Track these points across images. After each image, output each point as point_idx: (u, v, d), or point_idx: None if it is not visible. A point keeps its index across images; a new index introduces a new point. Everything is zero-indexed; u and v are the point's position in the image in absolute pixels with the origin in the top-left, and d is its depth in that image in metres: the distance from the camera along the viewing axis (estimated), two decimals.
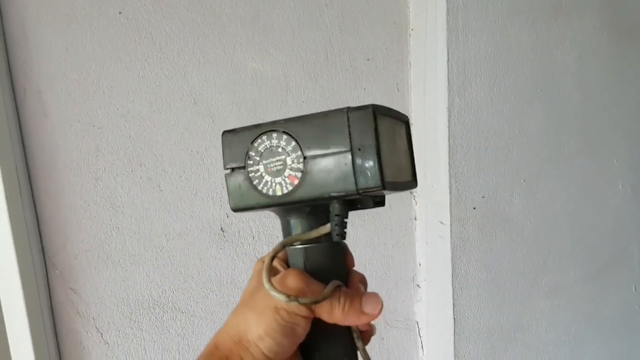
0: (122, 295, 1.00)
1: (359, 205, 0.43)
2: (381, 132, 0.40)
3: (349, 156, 0.39)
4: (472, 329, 1.12)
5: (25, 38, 0.93)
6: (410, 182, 0.45)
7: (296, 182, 0.40)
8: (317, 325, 0.41)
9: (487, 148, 1.07)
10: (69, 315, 1.00)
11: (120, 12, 0.95)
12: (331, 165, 0.40)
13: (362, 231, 1.10)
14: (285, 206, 0.42)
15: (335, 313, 0.39)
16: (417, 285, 1.13)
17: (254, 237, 1.04)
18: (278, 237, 1.06)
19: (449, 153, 1.04)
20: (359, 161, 0.39)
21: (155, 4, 0.96)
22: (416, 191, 1.10)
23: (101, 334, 1.01)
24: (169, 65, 0.98)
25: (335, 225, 0.40)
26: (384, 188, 0.39)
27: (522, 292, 1.15)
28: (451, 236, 1.07)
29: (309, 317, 0.39)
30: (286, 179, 0.41)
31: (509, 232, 1.11)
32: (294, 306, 0.38)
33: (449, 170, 1.04)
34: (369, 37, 1.05)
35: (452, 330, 1.10)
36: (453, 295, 1.09)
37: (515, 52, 1.06)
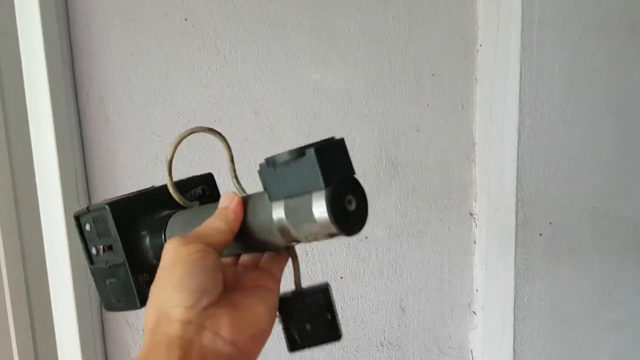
0: None
1: None
2: None
3: None
4: None
5: (91, 43, 0.93)
6: None
7: None
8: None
9: (556, 172, 1.02)
10: (118, 325, 0.98)
11: (186, 19, 0.94)
12: None
13: (417, 252, 1.06)
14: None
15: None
16: (473, 311, 1.08)
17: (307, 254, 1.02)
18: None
19: (517, 175, 0.99)
20: None
21: (221, 11, 0.94)
22: (476, 214, 1.05)
23: None
24: (232, 75, 0.96)
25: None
26: None
27: (586, 325, 1.08)
28: (515, 263, 1.02)
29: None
30: None
31: (575, 261, 1.06)
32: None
33: (516, 194, 1.00)
34: (434, 52, 1.02)
35: None
36: (514, 325, 1.04)
37: (589, 72, 1.01)
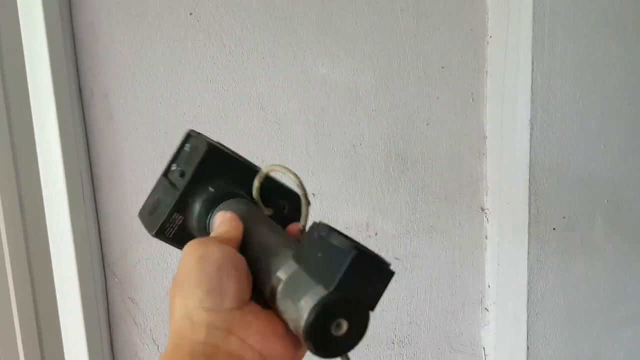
0: None
1: None
2: None
3: None
4: (546, 357, 1.05)
5: (95, 39, 0.91)
6: None
7: None
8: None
9: (569, 165, 1.00)
10: (126, 325, 0.96)
11: (191, 13, 0.92)
12: None
13: (428, 248, 1.04)
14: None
15: None
16: (485, 308, 1.07)
17: None
18: None
19: (530, 169, 0.97)
20: None
21: (227, 5, 0.93)
22: (488, 208, 1.04)
23: (157, 346, 0.97)
24: (238, 70, 0.95)
25: None
26: None
27: (600, 320, 1.07)
28: (528, 258, 1.00)
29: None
30: None
31: (589, 255, 1.04)
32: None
33: (529, 188, 0.98)
34: (444, 44, 1.00)
35: (525, 359, 1.03)
36: (527, 321, 1.02)
37: (603, 64, 0.99)
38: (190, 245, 0.38)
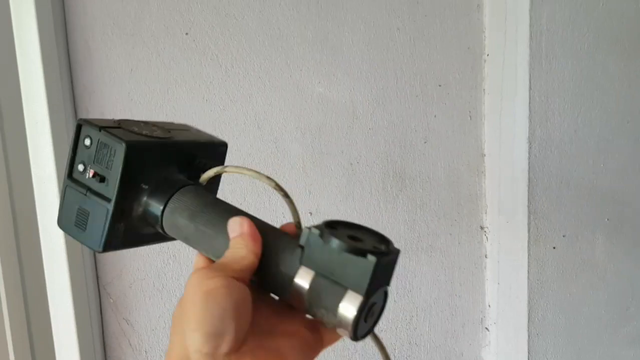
0: None
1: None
2: None
3: None
4: None
5: (90, 58, 0.91)
6: None
7: None
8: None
9: (569, 183, 0.99)
10: (121, 347, 0.95)
11: (187, 33, 0.92)
12: None
13: (427, 267, 1.03)
14: None
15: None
16: (486, 328, 1.05)
17: None
18: None
19: (529, 187, 0.96)
20: None
21: (223, 25, 0.93)
22: (487, 227, 1.02)
23: None
24: (234, 89, 0.94)
25: None
26: None
27: (602, 341, 1.05)
28: (528, 277, 0.99)
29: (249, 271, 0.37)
30: None
31: (590, 274, 1.02)
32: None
33: (528, 206, 0.97)
34: (441, 62, 1.00)
35: None
36: (528, 341, 1.00)
37: (601, 81, 0.98)
38: (198, 276, 0.35)
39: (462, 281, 1.04)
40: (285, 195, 0.42)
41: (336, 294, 0.35)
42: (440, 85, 1.00)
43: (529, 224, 0.97)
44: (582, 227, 1.01)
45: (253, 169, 0.42)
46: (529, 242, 0.98)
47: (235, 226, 0.39)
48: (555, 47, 0.96)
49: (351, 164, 0.99)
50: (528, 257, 0.98)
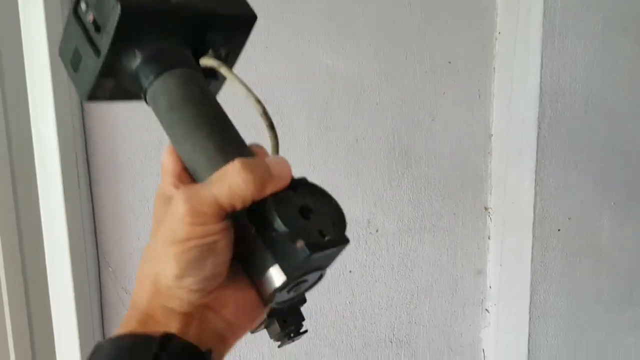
0: None
1: None
2: None
3: None
4: None
5: None
6: None
7: None
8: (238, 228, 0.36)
9: (577, 165, 0.98)
10: (119, 317, 0.94)
11: None
12: None
13: (429, 247, 1.02)
14: None
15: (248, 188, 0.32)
16: (486, 309, 1.04)
17: None
18: None
19: (536, 168, 0.95)
20: None
21: None
22: (492, 208, 1.01)
23: None
24: (240, 59, 0.92)
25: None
26: None
27: (604, 325, 1.04)
28: (532, 259, 0.98)
29: (219, 219, 0.32)
30: None
31: (594, 258, 1.02)
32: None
33: (535, 187, 0.95)
34: (451, 39, 0.98)
35: None
36: (529, 323, 1.00)
37: (613, 62, 0.96)
38: (178, 199, 0.32)
39: (464, 262, 1.03)
40: (271, 127, 0.38)
41: (266, 260, 0.34)
42: (450, 62, 0.98)
43: (534, 205, 0.96)
44: (589, 210, 1.00)
45: (246, 84, 0.38)
46: (533, 223, 0.97)
47: (279, 162, 0.35)
48: (569, 26, 0.94)
49: (357, 140, 0.97)
50: (532, 239, 0.97)
